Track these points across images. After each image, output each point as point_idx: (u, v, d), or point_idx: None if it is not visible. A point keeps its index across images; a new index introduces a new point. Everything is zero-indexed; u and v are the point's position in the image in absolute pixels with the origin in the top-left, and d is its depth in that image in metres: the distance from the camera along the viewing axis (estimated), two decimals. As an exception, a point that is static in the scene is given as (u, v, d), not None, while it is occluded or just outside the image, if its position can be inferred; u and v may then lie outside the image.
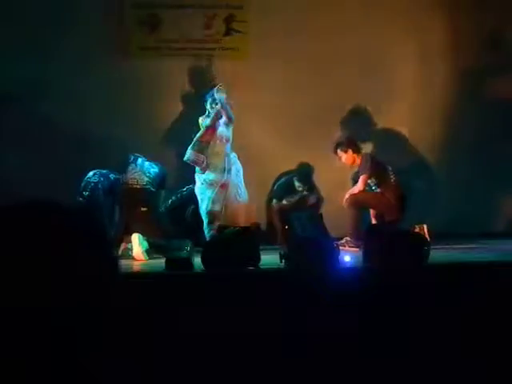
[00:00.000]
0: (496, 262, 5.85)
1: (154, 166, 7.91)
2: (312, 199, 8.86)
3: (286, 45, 9.37)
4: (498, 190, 9.67)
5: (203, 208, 8.01)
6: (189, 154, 8.07)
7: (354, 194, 8.09)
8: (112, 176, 7.91)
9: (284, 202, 8.79)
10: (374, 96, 9.37)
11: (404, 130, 9.69)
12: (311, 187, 8.97)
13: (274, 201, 8.89)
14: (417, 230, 7.37)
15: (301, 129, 9.26)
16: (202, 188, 8.05)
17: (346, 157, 8.26)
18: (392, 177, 8.15)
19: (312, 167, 9.10)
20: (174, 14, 9.52)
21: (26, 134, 8.98)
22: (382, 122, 9.57)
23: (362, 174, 8.14)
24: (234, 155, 8.16)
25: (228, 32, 9.62)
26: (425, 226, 7.58)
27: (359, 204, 8.08)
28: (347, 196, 8.11)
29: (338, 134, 9.05)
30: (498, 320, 4.65)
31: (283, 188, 8.99)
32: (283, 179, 9.05)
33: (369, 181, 8.15)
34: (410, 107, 9.61)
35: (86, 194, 7.78)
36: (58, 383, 1.15)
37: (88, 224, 1.27)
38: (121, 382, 1.18)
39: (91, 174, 7.94)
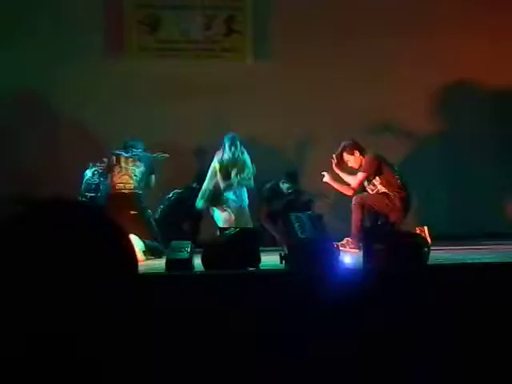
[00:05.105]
0: (496, 263, 5.84)
1: (137, 164, 7.84)
2: (301, 200, 8.87)
3: (287, 46, 9.38)
4: (498, 191, 9.67)
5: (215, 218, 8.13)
6: (200, 204, 8.12)
7: (362, 197, 8.06)
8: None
9: (273, 205, 8.79)
10: (377, 99, 9.37)
11: (406, 132, 9.69)
12: (299, 188, 8.96)
13: (263, 205, 8.88)
14: (417, 231, 7.36)
15: (304, 130, 9.27)
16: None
17: (353, 159, 8.20)
18: (398, 179, 8.12)
19: (299, 168, 9.06)
20: (174, 14, 9.51)
21: (25, 134, 8.98)
22: (379, 122, 9.56)
23: (362, 171, 8.11)
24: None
25: (228, 33, 9.62)
26: (425, 228, 7.56)
27: (365, 205, 8.06)
28: (349, 193, 8.12)
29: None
30: (498, 321, 4.65)
31: (270, 192, 8.96)
32: (269, 184, 9.00)
33: (374, 180, 8.12)
34: (414, 111, 9.62)
35: (89, 195, 7.78)
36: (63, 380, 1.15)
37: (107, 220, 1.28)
38: (122, 381, 1.18)
39: (90, 174, 7.92)
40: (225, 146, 8.09)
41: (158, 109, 9.24)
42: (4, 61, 9.02)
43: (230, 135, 8.13)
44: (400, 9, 9.66)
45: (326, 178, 8.15)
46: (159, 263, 6.26)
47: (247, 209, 8.23)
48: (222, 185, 8.07)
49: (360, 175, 8.07)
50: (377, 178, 8.09)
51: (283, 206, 8.69)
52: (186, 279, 5.00)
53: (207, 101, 9.23)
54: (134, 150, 7.86)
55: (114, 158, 7.82)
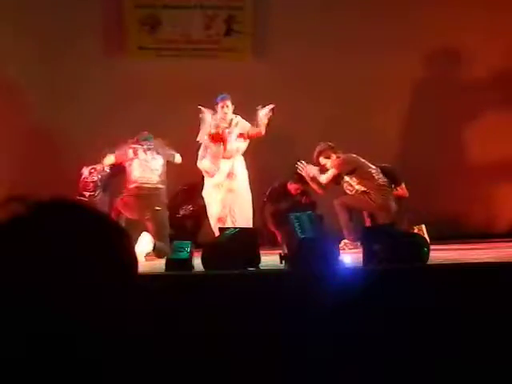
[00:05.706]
0: (495, 262, 5.85)
1: (156, 156, 7.73)
2: (305, 200, 8.89)
3: (287, 46, 9.39)
4: (497, 191, 9.67)
5: (211, 211, 7.98)
6: (205, 164, 8.01)
7: (342, 198, 8.12)
8: (106, 169, 7.89)
9: (279, 205, 8.80)
10: (378, 99, 9.38)
11: (402, 130, 9.70)
12: (305, 189, 8.98)
13: (269, 204, 8.89)
14: (416, 230, 7.37)
15: (300, 130, 9.27)
16: (209, 191, 8.01)
17: (330, 162, 8.24)
18: (376, 177, 8.12)
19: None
20: (174, 14, 9.52)
21: (23, 132, 8.99)
22: (378, 122, 9.55)
23: (332, 167, 8.18)
24: (240, 159, 8.12)
25: (228, 33, 9.63)
26: (423, 227, 7.57)
27: (348, 207, 8.09)
28: (319, 191, 8.28)
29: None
30: (498, 321, 4.65)
31: (277, 192, 8.97)
32: (276, 184, 9.02)
33: (350, 181, 8.14)
34: (409, 106, 9.62)
35: (88, 194, 7.76)
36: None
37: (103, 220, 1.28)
38: (122, 382, 1.18)
39: (87, 172, 7.90)
40: (218, 107, 8.05)
41: (157, 109, 9.24)
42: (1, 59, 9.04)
43: (221, 96, 8.08)
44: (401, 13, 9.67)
45: (303, 173, 8.26)
46: (159, 263, 6.26)
47: (245, 182, 8.13)
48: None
49: (329, 172, 8.14)
50: (353, 178, 8.11)
51: (289, 206, 8.70)
52: (186, 279, 5.00)
53: (207, 101, 9.23)
54: (148, 143, 7.76)
55: (131, 151, 7.71)
